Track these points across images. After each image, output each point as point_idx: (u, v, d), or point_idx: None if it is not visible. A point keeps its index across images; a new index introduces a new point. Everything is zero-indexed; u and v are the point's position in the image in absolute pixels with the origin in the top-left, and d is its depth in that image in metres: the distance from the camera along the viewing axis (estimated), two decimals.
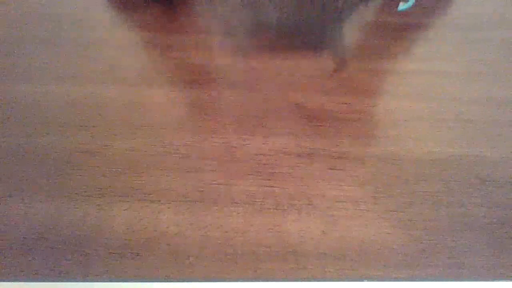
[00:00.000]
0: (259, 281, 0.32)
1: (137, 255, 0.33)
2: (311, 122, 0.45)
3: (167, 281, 0.32)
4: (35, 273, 0.32)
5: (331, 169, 0.40)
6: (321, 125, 0.45)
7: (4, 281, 0.32)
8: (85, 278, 0.32)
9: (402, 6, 0.52)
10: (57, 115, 0.46)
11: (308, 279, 0.32)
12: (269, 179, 0.39)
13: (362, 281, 0.32)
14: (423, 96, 0.49)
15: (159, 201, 0.37)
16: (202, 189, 0.38)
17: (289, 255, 0.34)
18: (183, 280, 0.32)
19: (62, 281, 0.32)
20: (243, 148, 0.42)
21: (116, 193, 0.38)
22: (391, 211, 0.37)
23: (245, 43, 0.56)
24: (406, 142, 0.43)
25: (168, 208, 0.37)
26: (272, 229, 0.35)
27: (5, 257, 0.33)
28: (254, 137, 0.43)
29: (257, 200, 0.37)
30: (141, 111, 0.46)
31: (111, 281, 0.32)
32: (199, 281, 0.32)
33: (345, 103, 0.48)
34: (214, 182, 0.39)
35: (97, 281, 0.32)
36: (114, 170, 0.40)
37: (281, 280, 0.32)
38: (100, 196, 0.38)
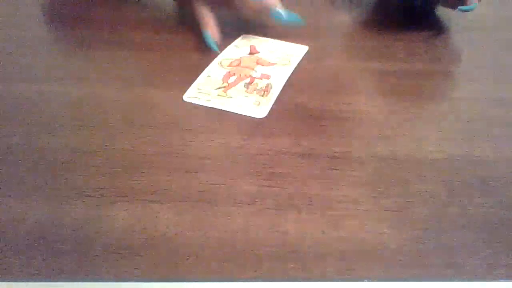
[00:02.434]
0: (259, 281, 0.32)
1: (137, 255, 0.33)
2: (311, 122, 0.45)
3: (167, 281, 0.32)
4: (35, 273, 0.32)
5: (331, 169, 0.40)
6: (321, 125, 0.45)
7: (4, 281, 0.32)
8: (85, 278, 0.32)
9: (464, 7, 0.51)
10: (57, 115, 0.46)
11: (308, 279, 0.32)
12: (269, 179, 0.39)
13: (362, 281, 0.32)
14: (423, 96, 0.49)
15: (159, 201, 0.37)
16: (202, 189, 0.38)
17: (289, 255, 0.34)
18: (183, 280, 0.32)
19: (62, 281, 0.32)
20: (243, 148, 0.42)
21: (116, 193, 0.38)
22: (391, 211, 0.37)
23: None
24: (406, 142, 0.43)
25: (168, 208, 0.37)
26: (272, 229, 0.35)
27: (5, 257, 0.33)
28: (254, 137, 0.43)
29: (257, 200, 0.37)
30: (141, 111, 0.46)
31: (111, 281, 0.32)
32: (199, 281, 0.32)
33: (345, 103, 0.47)
34: (214, 182, 0.39)
35: (97, 281, 0.32)
36: (114, 170, 0.40)
37: (281, 280, 0.32)
38: (100, 196, 0.38)
